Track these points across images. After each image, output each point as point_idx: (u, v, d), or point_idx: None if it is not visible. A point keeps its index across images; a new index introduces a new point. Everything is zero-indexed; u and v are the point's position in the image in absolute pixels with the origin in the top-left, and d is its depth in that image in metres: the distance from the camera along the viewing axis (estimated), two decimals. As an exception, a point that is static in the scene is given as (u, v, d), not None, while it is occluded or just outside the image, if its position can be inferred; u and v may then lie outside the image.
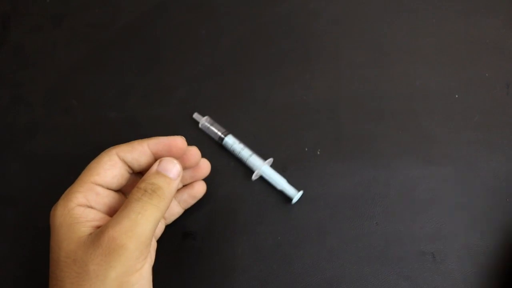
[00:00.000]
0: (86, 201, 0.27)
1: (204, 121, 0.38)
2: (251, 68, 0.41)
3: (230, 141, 0.37)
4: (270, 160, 0.36)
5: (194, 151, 0.32)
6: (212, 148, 0.38)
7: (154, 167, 0.28)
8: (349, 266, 0.33)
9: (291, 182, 0.36)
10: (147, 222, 0.25)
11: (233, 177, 0.37)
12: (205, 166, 0.34)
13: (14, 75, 0.43)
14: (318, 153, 0.38)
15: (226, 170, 0.37)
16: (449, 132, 0.38)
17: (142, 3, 0.45)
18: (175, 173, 0.28)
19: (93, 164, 0.29)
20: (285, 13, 0.44)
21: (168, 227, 0.35)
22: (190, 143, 0.38)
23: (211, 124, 0.38)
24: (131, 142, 0.30)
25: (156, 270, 0.34)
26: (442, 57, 0.41)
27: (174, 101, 0.40)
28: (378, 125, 0.38)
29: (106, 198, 0.28)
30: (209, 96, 0.40)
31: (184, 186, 0.34)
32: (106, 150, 0.29)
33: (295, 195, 0.34)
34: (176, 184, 0.28)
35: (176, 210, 0.34)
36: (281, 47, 0.42)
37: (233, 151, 0.37)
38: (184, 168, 0.31)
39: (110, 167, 0.28)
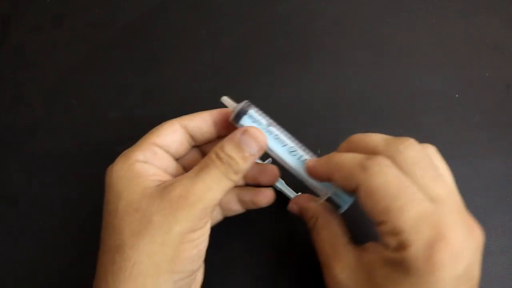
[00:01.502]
0: (144, 158, 0.27)
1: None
2: (251, 68, 0.41)
3: None
4: (269, 160, 0.35)
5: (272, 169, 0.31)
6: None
7: (237, 134, 0.26)
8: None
9: (291, 182, 0.35)
10: (219, 190, 0.25)
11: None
12: (271, 171, 0.31)
13: (14, 75, 0.43)
14: (319, 152, 0.38)
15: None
16: (449, 132, 0.38)
17: (142, 3, 0.45)
18: (255, 150, 0.26)
19: (154, 129, 0.29)
20: (285, 13, 0.44)
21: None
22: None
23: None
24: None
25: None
26: (442, 57, 0.41)
27: (174, 101, 0.40)
28: (378, 125, 0.38)
29: (163, 160, 0.28)
30: (208, 96, 0.40)
31: (249, 186, 0.32)
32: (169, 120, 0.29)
33: (294, 196, 0.34)
34: (252, 162, 0.27)
35: (235, 208, 0.32)
36: (281, 47, 0.42)
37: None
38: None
39: (170, 132, 0.28)
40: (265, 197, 0.31)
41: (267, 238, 0.35)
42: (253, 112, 0.29)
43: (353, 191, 0.25)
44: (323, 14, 0.44)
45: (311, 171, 0.28)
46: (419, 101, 0.39)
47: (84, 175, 0.38)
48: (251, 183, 0.32)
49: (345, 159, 0.26)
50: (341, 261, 0.25)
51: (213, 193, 0.25)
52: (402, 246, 0.22)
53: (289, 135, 0.30)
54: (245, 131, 0.26)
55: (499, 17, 0.43)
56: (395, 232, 0.22)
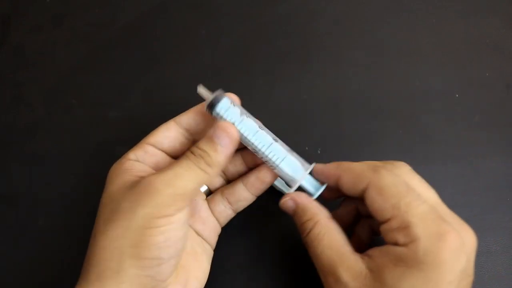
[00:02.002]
0: (135, 157, 0.29)
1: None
2: (251, 68, 0.41)
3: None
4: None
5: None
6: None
7: (209, 132, 0.27)
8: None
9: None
10: (190, 179, 0.26)
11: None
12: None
13: (14, 75, 0.43)
14: (319, 152, 0.38)
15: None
16: (449, 131, 0.38)
17: (142, 3, 0.45)
18: (226, 142, 0.27)
19: (153, 130, 0.30)
20: (285, 13, 0.44)
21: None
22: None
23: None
24: None
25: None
26: (442, 57, 0.41)
27: (174, 101, 0.40)
28: (378, 125, 0.38)
29: (154, 156, 0.29)
30: (209, 96, 0.40)
31: (251, 169, 0.32)
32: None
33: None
34: (226, 153, 0.27)
35: (243, 195, 0.31)
36: (281, 47, 0.42)
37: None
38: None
39: (164, 130, 0.30)
40: (268, 170, 0.31)
41: (267, 238, 0.35)
42: (226, 101, 0.29)
43: (359, 194, 0.27)
44: (323, 14, 0.44)
45: (319, 173, 0.29)
46: (419, 101, 0.39)
47: (84, 175, 0.38)
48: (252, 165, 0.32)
49: (356, 164, 0.28)
50: (350, 269, 0.25)
51: (183, 181, 0.26)
52: (411, 240, 0.23)
53: (263, 127, 0.30)
54: (216, 126, 0.27)
55: (499, 17, 0.43)
56: (404, 226, 0.24)
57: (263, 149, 0.29)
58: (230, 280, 0.34)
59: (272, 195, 0.36)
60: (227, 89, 0.41)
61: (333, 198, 0.31)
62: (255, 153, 0.30)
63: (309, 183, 0.30)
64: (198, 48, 0.43)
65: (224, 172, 0.33)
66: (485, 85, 0.40)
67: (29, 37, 0.44)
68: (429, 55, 0.41)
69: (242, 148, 0.31)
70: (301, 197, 0.29)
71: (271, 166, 0.30)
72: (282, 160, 0.29)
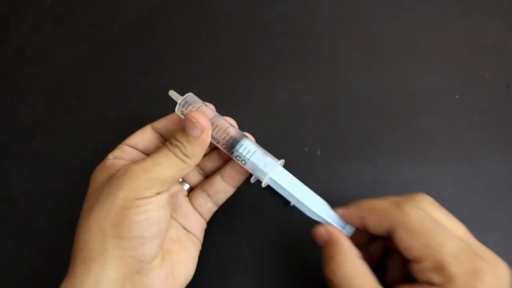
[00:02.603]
0: (113, 156, 0.31)
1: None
2: (251, 68, 0.41)
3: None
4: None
5: (229, 119, 0.32)
6: (212, 148, 0.38)
7: (182, 122, 0.29)
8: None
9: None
10: (168, 166, 0.28)
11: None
12: None
13: (14, 75, 0.43)
14: (318, 153, 0.38)
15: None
16: (449, 132, 0.38)
17: (142, 3, 0.45)
18: (197, 132, 0.28)
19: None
20: (285, 13, 0.44)
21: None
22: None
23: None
24: None
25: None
26: (442, 57, 0.41)
27: (174, 101, 0.40)
28: (378, 125, 0.38)
29: (131, 154, 0.31)
30: (209, 96, 0.40)
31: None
32: None
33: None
34: (200, 143, 0.28)
35: (221, 187, 0.33)
36: (281, 47, 0.42)
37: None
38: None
39: (139, 133, 0.32)
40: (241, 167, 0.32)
41: (267, 238, 0.35)
42: (197, 101, 0.31)
43: (386, 233, 0.26)
44: (323, 14, 0.44)
45: (343, 216, 0.29)
46: (419, 101, 0.39)
47: (84, 175, 0.38)
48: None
49: (378, 202, 0.27)
50: None
51: (161, 168, 0.27)
52: (447, 281, 0.23)
53: (234, 126, 0.32)
54: (185, 116, 0.28)
55: (499, 17, 0.43)
56: (438, 266, 0.23)
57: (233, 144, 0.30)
58: (231, 280, 0.34)
59: (271, 195, 0.36)
60: (227, 89, 0.41)
61: (363, 243, 0.30)
62: (226, 152, 0.32)
63: (338, 223, 0.29)
64: (198, 48, 0.43)
65: (202, 169, 0.34)
66: (485, 85, 0.40)
67: (29, 37, 0.44)
68: (429, 55, 0.41)
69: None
70: (335, 230, 0.29)
71: (243, 161, 0.31)
72: (252, 154, 0.30)
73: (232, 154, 0.31)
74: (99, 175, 0.29)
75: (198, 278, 0.33)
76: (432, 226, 0.24)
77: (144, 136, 0.32)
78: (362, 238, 0.30)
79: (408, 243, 0.24)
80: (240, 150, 0.31)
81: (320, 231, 0.29)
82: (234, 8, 0.44)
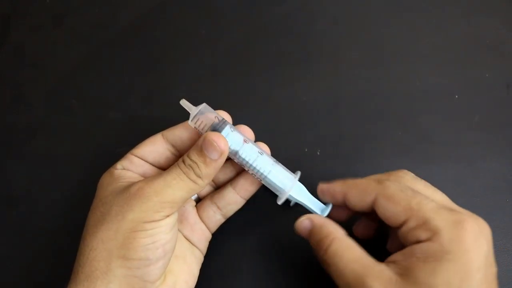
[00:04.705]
0: (121, 166, 0.30)
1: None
2: (251, 68, 0.41)
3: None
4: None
5: (246, 130, 0.32)
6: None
7: (199, 142, 0.28)
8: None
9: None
10: (179, 188, 0.27)
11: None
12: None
13: (14, 75, 0.43)
14: (318, 153, 0.38)
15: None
16: (449, 132, 0.38)
17: (142, 3, 0.45)
18: (215, 155, 0.27)
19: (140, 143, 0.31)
20: (285, 13, 0.44)
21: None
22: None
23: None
24: None
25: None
26: (442, 57, 0.41)
27: (174, 101, 0.40)
28: (378, 125, 0.38)
29: (141, 167, 0.30)
30: (209, 96, 0.40)
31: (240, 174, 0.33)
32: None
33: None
34: (215, 166, 0.28)
35: (232, 199, 0.32)
36: (281, 47, 0.42)
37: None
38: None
39: (149, 143, 0.31)
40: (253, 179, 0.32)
41: (268, 238, 0.35)
42: (209, 114, 0.30)
43: (368, 208, 0.28)
44: (323, 14, 0.44)
45: (324, 192, 0.30)
46: (419, 101, 0.39)
47: (84, 175, 0.38)
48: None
49: (360, 179, 0.29)
50: (379, 278, 0.24)
51: (172, 190, 0.27)
52: (433, 233, 0.24)
53: (248, 140, 0.31)
54: (205, 137, 0.27)
55: (499, 17, 0.43)
56: (422, 223, 0.24)
57: (250, 162, 0.30)
58: (231, 280, 0.34)
59: (271, 195, 0.36)
60: (227, 89, 0.41)
61: (343, 219, 0.31)
62: (243, 166, 0.31)
63: (314, 205, 0.31)
64: (198, 48, 0.43)
65: (213, 180, 0.33)
66: (485, 85, 0.40)
67: (29, 37, 0.44)
68: (429, 55, 0.41)
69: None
70: (316, 216, 0.30)
71: (259, 178, 0.31)
72: (269, 172, 0.30)
73: (248, 169, 0.31)
74: (107, 185, 0.28)
75: (198, 278, 0.33)
76: (411, 192, 0.26)
77: (154, 148, 0.31)
78: (343, 215, 0.31)
79: (390, 210, 0.26)
80: (258, 168, 0.30)
81: (302, 221, 0.30)
82: (234, 8, 0.44)
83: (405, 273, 0.24)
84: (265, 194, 0.36)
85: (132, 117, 0.40)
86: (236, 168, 0.33)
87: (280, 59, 0.42)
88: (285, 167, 0.31)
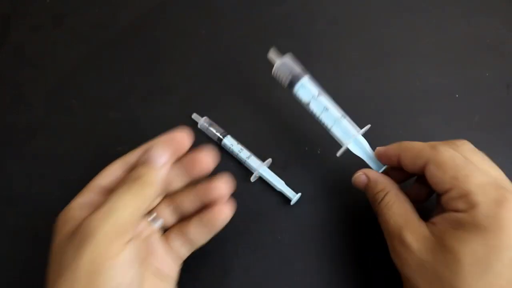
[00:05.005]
0: (80, 201, 0.28)
1: (202, 122, 0.38)
2: (251, 68, 0.41)
3: (229, 142, 0.37)
4: (269, 161, 0.36)
5: (203, 158, 0.29)
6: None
7: (141, 158, 0.28)
8: (350, 266, 0.33)
9: (291, 181, 0.35)
10: (124, 208, 0.25)
11: (233, 177, 0.37)
12: (203, 159, 0.29)
13: (14, 75, 0.43)
14: (319, 152, 0.38)
15: (225, 170, 0.37)
16: (449, 132, 0.38)
17: (142, 3, 0.45)
18: (158, 161, 0.27)
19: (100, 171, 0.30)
20: (285, 13, 0.44)
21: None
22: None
23: (210, 125, 0.38)
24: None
25: (156, 270, 0.34)
26: (442, 57, 0.41)
27: (174, 101, 0.40)
28: (378, 125, 0.38)
29: (98, 198, 0.28)
30: (209, 96, 0.40)
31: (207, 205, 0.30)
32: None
33: (294, 197, 0.34)
34: (160, 173, 0.27)
35: (198, 234, 0.30)
36: (281, 47, 0.42)
37: (232, 152, 0.37)
38: (190, 172, 0.29)
39: (110, 171, 0.29)
40: (225, 206, 0.30)
41: (267, 238, 0.35)
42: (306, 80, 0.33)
43: (419, 171, 0.28)
44: (323, 14, 0.44)
45: (381, 154, 0.31)
46: (419, 101, 0.39)
47: (84, 175, 0.38)
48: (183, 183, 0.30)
49: (415, 143, 0.29)
50: (415, 232, 0.26)
51: (118, 213, 0.24)
52: (471, 206, 0.24)
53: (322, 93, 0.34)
54: (147, 149, 0.28)
55: (499, 17, 0.43)
56: (463, 195, 0.25)
57: (317, 115, 0.33)
58: (231, 280, 0.34)
59: (270, 195, 0.36)
60: (227, 89, 0.41)
61: (400, 181, 0.32)
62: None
63: (371, 161, 0.33)
64: (198, 48, 0.43)
65: (179, 207, 0.31)
66: (485, 85, 0.40)
67: (29, 37, 0.44)
68: (429, 55, 0.41)
69: (196, 183, 0.30)
70: (372, 172, 0.32)
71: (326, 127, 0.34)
72: (332, 126, 0.33)
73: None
74: (61, 228, 0.26)
75: (198, 278, 0.33)
76: (462, 162, 0.26)
77: (115, 173, 0.28)
78: (399, 177, 0.32)
79: (438, 177, 0.26)
80: (323, 121, 0.33)
81: (359, 176, 0.32)
82: (234, 8, 0.44)
83: (437, 235, 0.25)
84: (265, 193, 0.36)
85: (132, 116, 0.40)
86: (201, 194, 0.30)
87: (280, 59, 0.42)
88: (351, 122, 0.33)
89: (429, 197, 0.32)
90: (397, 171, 0.32)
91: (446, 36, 0.42)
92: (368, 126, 0.34)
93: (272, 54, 0.34)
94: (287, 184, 0.35)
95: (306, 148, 0.38)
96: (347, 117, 0.34)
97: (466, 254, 0.24)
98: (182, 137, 0.28)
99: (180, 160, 0.29)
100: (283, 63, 0.34)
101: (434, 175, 0.27)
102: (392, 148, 0.30)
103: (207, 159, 0.29)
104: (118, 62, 0.43)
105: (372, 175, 0.31)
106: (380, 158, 0.32)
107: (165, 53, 0.43)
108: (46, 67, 0.43)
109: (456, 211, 0.25)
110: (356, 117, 0.39)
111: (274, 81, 0.41)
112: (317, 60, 0.41)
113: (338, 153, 0.33)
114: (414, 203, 0.29)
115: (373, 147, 0.37)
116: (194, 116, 0.38)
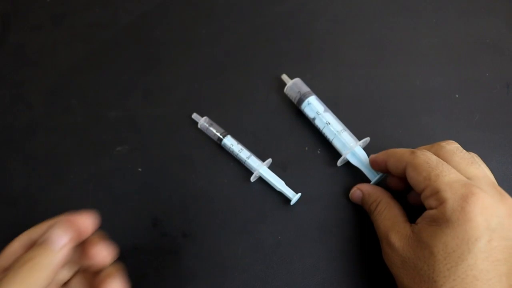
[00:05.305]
0: None
1: (203, 122, 0.38)
2: (251, 68, 0.41)
3: (229, 142, 0.37)
4: (269, 161, 0.36)
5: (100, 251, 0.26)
6: (212, 148, 0.38)
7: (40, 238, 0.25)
8: (350, 266, 0.33)
9: (291, 181, 0.36)
10: None
11: (233, 177, 0.37)
12: (100, 254, 0.26)
13: (14, 75, 0.43)
14: (319, 152, 0.38)
15: (226, 170, 0.37)
16: (449, 132, 0.38)
17: (142, 3, 0.45)
18: (56, 243, 0.24)
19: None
20: (285, 13, 0.44)
21: (168, 227, 0.35)
22: (189, 143, 0.38)
23: (210, 125, 0.38)
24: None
25: (156, 269, 0.34)
26: (442, 57, 0.41)
27: (174, 101, 0.40)
28: (378, 125, 0.38)
29: None
30: (209, 96, 0.40)
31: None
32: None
33: (293, 196, 0.34)
34: (56, 256, 0.24)
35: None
36: (281, 47, 0.42)
37: (232, 152, 0.37)
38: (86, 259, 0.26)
39: (11, 249, 0.26)
40: (98, 253, 0.26)
41: (267, 238, 0.35)
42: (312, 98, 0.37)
43: (401, 173, 0.30)
44: (323, 14, 0.44)
45: (373, 161, 0.34)
46: (419, 101, 0.39)
47: (84, 175, 0.38)
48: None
49: (399, 149, 0.32)
50: (398, 232, 0.29)
51: None
52: (440, 203, 0.26)
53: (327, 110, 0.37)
54: (50, 229, 0.25)
55: (499, 17, 0.43)
56: (434, 192, 0.27)
57: (321, 129, 0.37)
58: (231, 280, 0.34)
59: (270, 195, 0.36)
60: (227, 89, 0.41)
61: (400, 188, 0.33)
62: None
63: (367, 171, 0.35)
64: (198, 48, 0.43)
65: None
66: (485, 85, 0.40)
67: (29, 37, 0.44)
68: (429, 55, 0.41)
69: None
70: (365, 186, 0.34)
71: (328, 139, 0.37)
72: (332, 139, 0.36)
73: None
74: None
75: (198, 278, 0.33)
76: (434, 163, 0.28)
77: (12, 252, 0.25)
78: (400, 185, 0.34)
79: (414, 178, 0.29)
80: (325, 135, 0.37)
81: (354, 192, 0.35)
82: (234, 8, 0.44)
83: (416, 232, 0.28)
84: (265, 192, 0.36)
85: (132, 116, 0.40)
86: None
87: (280, 59, 0.42)
88: (351, 135, 0.36)
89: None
90: (395, 179, 0.33)
91: (446, 36, 0.42)
92: (367, 139, 0.36)
93: (284, 77, 0.39)
94: (287, 184, 0.35)
95: (306, 148, 0.38)
96: (347, 130, 0.36)
97: (439, 248, 0.26)
98: (86, 221, 0.26)
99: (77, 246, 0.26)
100: (293, 83, 0.38)
101: (411, 176, 0.29)
102: (381, 155, 0.33)
103: (104, 253, 0.26)
104: (118, 62, 0.43)
105: (366, 189, 0.34)
106: (372, 165, 0.34)
107: (165, 53, 0.43)
108: (46, 67, 0.43)
109: (430, 208, 0.27)
110: (356, 117, 0.39)
111: (274, 81, 0.41)
112: (317, 60, 0.41)
113: (338, 163, 0.36)
114: (416, 205, 0.31)
115: (373, 146, 0.37)
116: (194, 116, 0.38)
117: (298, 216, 0.35)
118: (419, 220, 0.28)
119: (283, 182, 0.35)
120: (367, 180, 0.35)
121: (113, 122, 0.40)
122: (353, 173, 0.36)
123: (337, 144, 0.36)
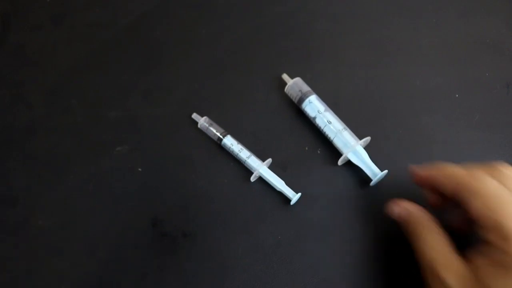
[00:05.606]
0: None
1: (202, 122, 0.38)
2: (251, 68, 0.41)
3: (229, 142, 0.37)
4: (269, 161, 0.36)
5: None
6: (212, 148, 0.38)
7: None
8: (350, 266, 0.33)
9: (291, 181, 0.36)
10: None
11: (233, 177, 0.37)
12: None
13: (14, 75, 0.43)
14: (319, 152, 0.38)
15: (226, 170, 0.37)
16: (449, 131, 0.38)
17: (142, 3, 0.45)
18: None
19: None
20: (285, 13, 0.44)
21: (168, 227, 0.35)
22: (189, 143, 0.38)
23: (210, 125, 0.38)
24: None
25: (156, 269, 0.34)
26: (442, 57, 0.41)
27: (174, 101, 0.40)
28: (378, 125, 0.38)
29: None
30: (209, 96, 0.40)
31: None
32: None
33: (293, 196, 0.34)
34: None
35: None
36: (281, 47, 0.42)
37: (232, 152, 0.37)
38: None
39: None
40: None
41: (267, 238, 0.35)
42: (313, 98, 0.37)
43: (452, 193, 0.27)
44: (323, 14, 0.44)
45: (416, 174, 0.31)
46: (419, 101, 0.39)
47: (84, 175, 0.38)
48: None
49: (449, 167, 0.28)
50: (450, 268, 0.26)
51: None
52: (504, 239, 0.24)
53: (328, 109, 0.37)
54: None
55: (499, 17, 0.43)
56: (498, 228, 0.24)
57: (321, 127, 0.37)
58: (231, 280, 0.34)
59: (270, 195, 0.36)
60: (227, 89, 0.41)
61: (443, 208, 0.31)
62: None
63: (368, 170, 0.35)
64: (198, 48, 0.43)
65: None
66: (485, 85, 0.40)
67: (29, 37, 0.44)
68: (429, 55, 0.41)
69: None
70: (407, 204, 0.31)
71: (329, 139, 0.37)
72: (334, 138, 0.36)
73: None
74: None
75: (198, 278, 0.33)
76: (507, 199, 0.25)
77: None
78: (438, 202, 0.31)
79: (478, 209, 0.25)
80: (326, 133, 0.37)
81: (394, 209, 0.31)
82: (234, 8, 0.44)
83: (473, 270, 0.25)
84: (265, 192, 0.36)
85: (132, 116, 0.40)
86: None
87: (280, 59, 0.42)
88: (352, 134, 0.36)
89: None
90: (437, 197, 0.31)
91: (446, 36, 0.42)
92: (368, 138, 0.36)
93: (285, 76, 0.39)
94: (287, 184, 0.35)
95: (306, 148, 0.38)
96: (348, 130, 0.36)
97: None
98: None
99: None
100: (294, 83, 0.38)
101: (473, 206, 0.26)
102: (428, 170, 0.30)
103: None
104: (118, 62, 0.43)
105: (407, 208, 0.30)
106: (413, 178, 0.31)
107: (165, 53, 0.43)
108: (46, 67, 0.43)
109: (486, 241, 0.25)
110: (356, 117, 0.39)
111: (274, 81, 0.41)
112: (317, 60, 0.41)
113: (339, 162, 0.36)
114: (457, 231, 0.29)
115: (373, 146, 0.38)
116: (194, 116, 0.38)
117: (298, 216, 0.35)
118: (474, 256, 0.26)
119: (283, 182, 0.35)
120: (368, 180, 0.35)
121: (113, 122, 0.40)
122: (353, 173, 0.36)
123: (338, 143, 0.36)
